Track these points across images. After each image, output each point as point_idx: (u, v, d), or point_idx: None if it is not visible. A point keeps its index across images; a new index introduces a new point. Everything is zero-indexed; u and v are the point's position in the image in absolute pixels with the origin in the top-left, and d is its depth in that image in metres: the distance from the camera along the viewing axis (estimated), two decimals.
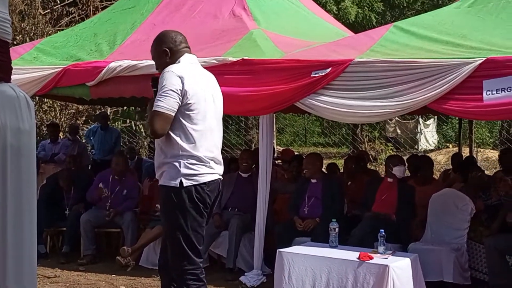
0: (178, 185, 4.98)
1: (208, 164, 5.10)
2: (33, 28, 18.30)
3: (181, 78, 5.01)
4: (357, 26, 21.42)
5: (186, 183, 4.99)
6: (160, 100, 4.93)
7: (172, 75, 5.01)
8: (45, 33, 17.67)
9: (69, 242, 9.70)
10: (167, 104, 4.92)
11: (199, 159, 5.05)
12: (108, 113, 19.75)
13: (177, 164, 4.99)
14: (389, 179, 8.81)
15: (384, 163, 11.64)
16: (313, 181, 8.96)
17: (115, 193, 9.66)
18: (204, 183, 5.08)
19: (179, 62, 5.19)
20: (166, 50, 5.21)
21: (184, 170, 4.99)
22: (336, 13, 20.91)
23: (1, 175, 3.12)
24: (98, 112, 17.72)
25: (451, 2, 9.96)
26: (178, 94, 4.97)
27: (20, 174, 3.20)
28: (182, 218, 5.00)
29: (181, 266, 5.04)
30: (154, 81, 5.18)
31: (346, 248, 7.40)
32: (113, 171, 9.94)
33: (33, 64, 9.40)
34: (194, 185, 5.02)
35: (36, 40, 13.30)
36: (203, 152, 5.09)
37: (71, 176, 10.44)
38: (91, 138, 14.30)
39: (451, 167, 12.21)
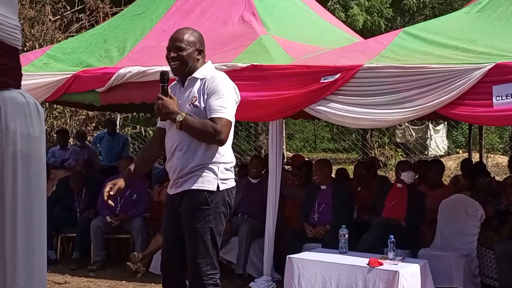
0: (215, 189, 4.97)
1: (233, 169, 5.16)
2: (43, 35, 18.36)
3: (234, 87, 5.08)
4: (366, 33, 21.43)
5: (222, 187, 5.00)
6: (227, 109, 4.90)
7: (230, 83, 5.05)
8: (55, 40, 17.72)
9: (80, 248, 9.73)
10: (232, 113, 4.96)
11: (231, 164, 5.11)
12: (118, 119, 19.79)
13: (215, 168, 4.97)
14: (399, 185, 8.82)
15: (394, 168, 11.63)
16: (323, 187, 8.95)
17: (125, 198, 9.61)
18: (233, 187, 5.14)
19: (210, 67, 5.16)
20: (202, 50, 5.13)
21: (221, 175, 5.00)
22: (344, 20, 20.91)
23: (11, 181, 3.13)
24: (106, 118, 17.74)
25: (461, 7, 9.97)
26: (236, 103, 5.05)
27: (30, 180, 3.20)
28: (213, 221, 4.98)
29: (204, 271, 4.97)
30: (165, 75, 4.99)
31: (356, 254, 7.40)
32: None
33: (43, 71, 9.43)
34: (227, 189, 5.05)
35: (46, 46, 13.34)
36: (233, 157, 5.16)
37: (83, 178, 10.47)
38: (98, 145, 14.30)
39: (461, 172, 12.18)
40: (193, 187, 4.96)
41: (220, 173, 4.99)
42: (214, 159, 4.97)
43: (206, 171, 4.95)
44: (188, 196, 4.98)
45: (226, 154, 5.03)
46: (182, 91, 5.09)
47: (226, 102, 4.92)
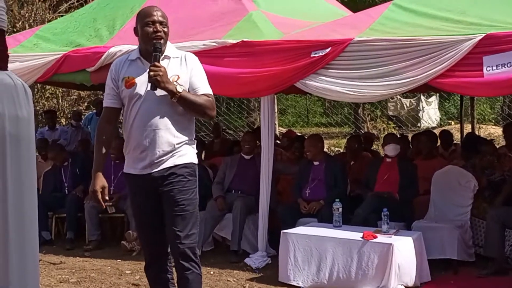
0: (197, 162, 5.09)
1: None
2: (33, 15, 18.27)
3: None
4: (358, 3, 21.31)
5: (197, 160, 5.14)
6: (209, 86, 5.02)
7: None
8: (45, 20, 17.64)
9: (72, 227, 9.71)
10: None
11: None
12: None
13: (193, 143, 5.06)
14: (388, 159, 8.81)
15: None
16: (316, 163, 8.94)
17: (118, 177, 9.57)
18: None
19: (173, 46, 5.16)
20: None
21: (195, 149, 5.11)
22: None
23: (1, 163, 3.13)
24: (94, 98, 17.64)
25: None
26: None
27: (20, 161, 3.20)
28: (197, 193, 5.06)
29: (195, 242, 5.00)
30: (157, 45, 4.81)
31: (350, 228, 7.43)
32: (112, 156, 9.52)
33: (33, 51, 9.38)
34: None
35: (36, 27, 13.27)
36: None
37: (63, 151, 10.63)
38: (88, 126, 14.26)
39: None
40: (182, 161, 4.96)
41: (195, 146, 5.11)
42: (192, 135, 5.07)
43: (189, 147, 5.02)
44: (177, 171, 4.94)
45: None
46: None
47: (207, 80, 5.03)
